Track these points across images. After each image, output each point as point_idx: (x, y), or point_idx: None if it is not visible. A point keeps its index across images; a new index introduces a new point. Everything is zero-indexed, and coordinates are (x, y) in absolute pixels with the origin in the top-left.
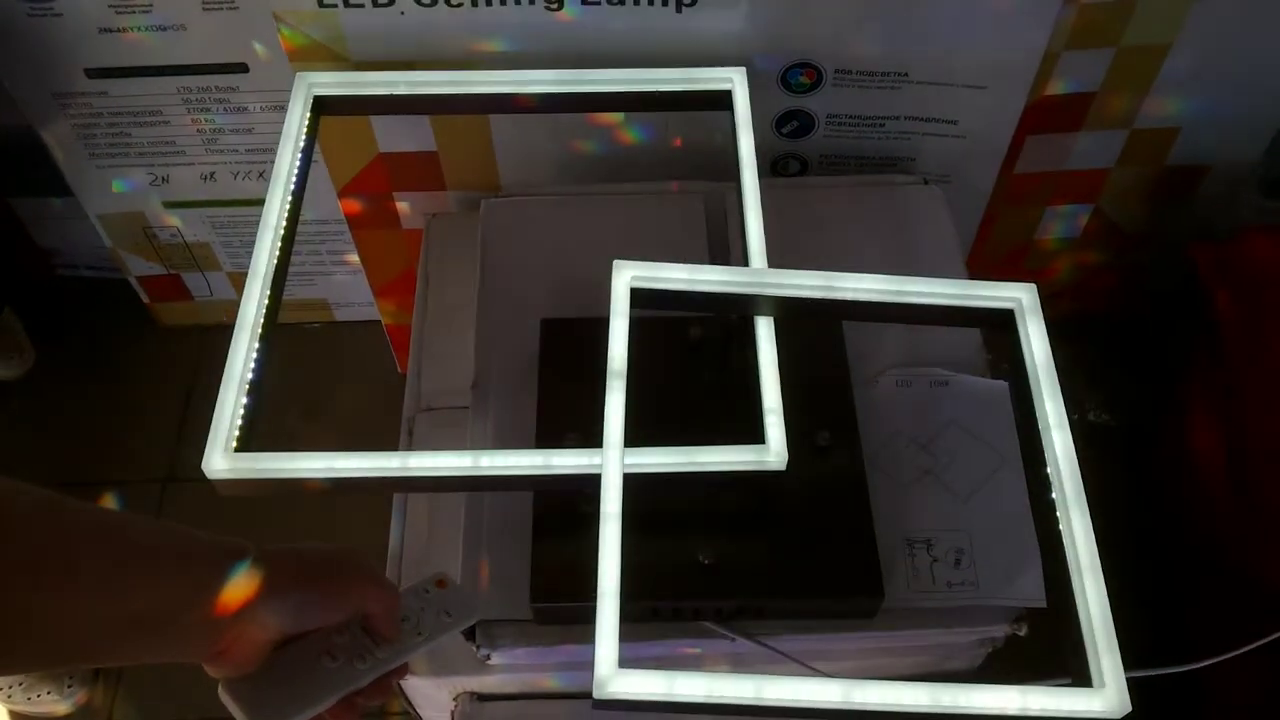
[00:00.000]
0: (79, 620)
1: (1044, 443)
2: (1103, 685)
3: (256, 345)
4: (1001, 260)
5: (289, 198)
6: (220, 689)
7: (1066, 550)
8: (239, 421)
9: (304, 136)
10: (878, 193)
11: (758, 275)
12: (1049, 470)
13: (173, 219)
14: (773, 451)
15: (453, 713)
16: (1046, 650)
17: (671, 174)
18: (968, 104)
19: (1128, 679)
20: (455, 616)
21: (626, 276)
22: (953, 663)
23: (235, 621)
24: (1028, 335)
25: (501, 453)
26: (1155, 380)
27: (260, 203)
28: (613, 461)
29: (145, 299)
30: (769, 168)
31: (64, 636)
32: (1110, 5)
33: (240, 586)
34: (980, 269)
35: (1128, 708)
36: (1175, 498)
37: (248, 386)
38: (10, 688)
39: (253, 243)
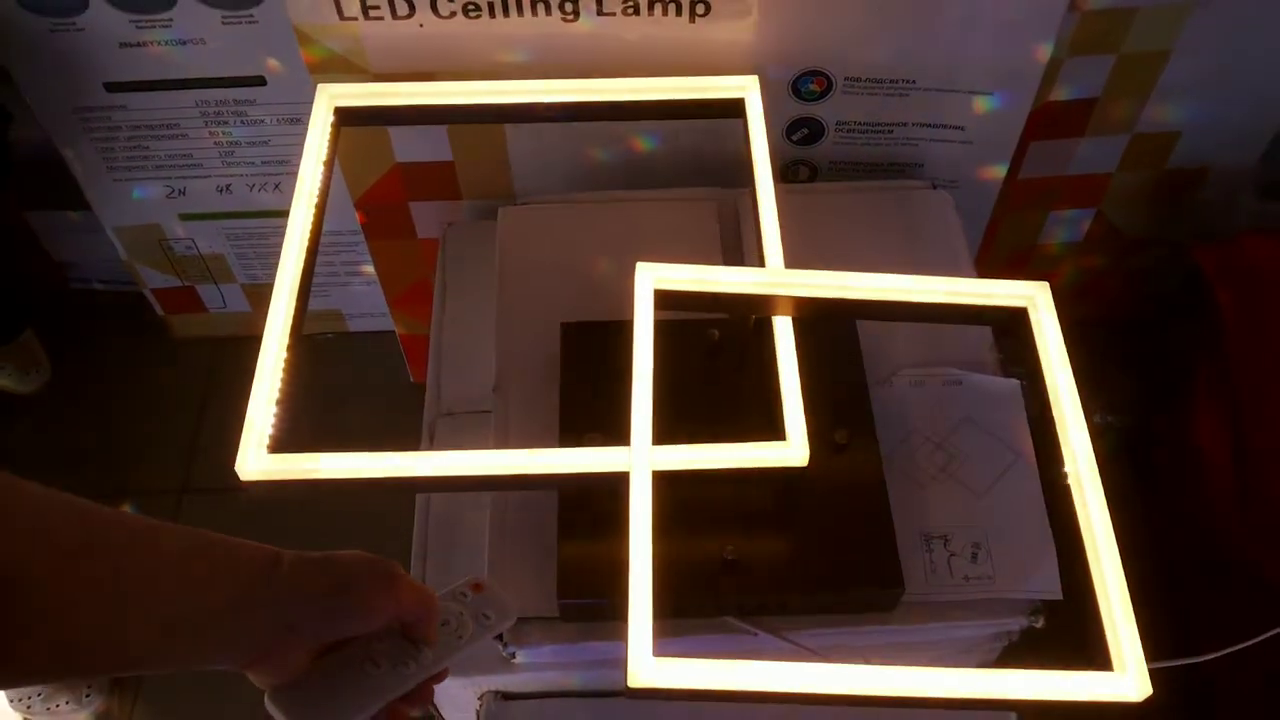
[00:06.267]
0: (111, 628)
1: (1060, 431)
2: (1125, 669)
3: (285, 349)
4: (1006, 265)
5: (313, 207)
6: (266, 699)
7: (1084, 535)
8: (270, 424)
9: (326, 148)
10: (887, 198)
11: (776, 275)
12: (1066, 459)
13: (188, 231)
14: (794, 447)
15: (478, 712)
16: (1062, 644)
17: (684, 180)
18: (974, 110)
19: None
20: (494, 619)
21: (650, 278)
22: (969, 657)
23: (271, 629)
24: (1043, 330)
25: (531, 451)
26: (1159, 381)
27: (275, 215)
28: (642, 457)
29: (160, 311)
30: (779, 175)
31: (96, 644)
32: (1112, 13)
33: (274, 593)
34: (984, 274)
35: (1149, 690)
36: (1180, 497)
37: (279, 389)
38: (29, 697)
39: (268, 255)
